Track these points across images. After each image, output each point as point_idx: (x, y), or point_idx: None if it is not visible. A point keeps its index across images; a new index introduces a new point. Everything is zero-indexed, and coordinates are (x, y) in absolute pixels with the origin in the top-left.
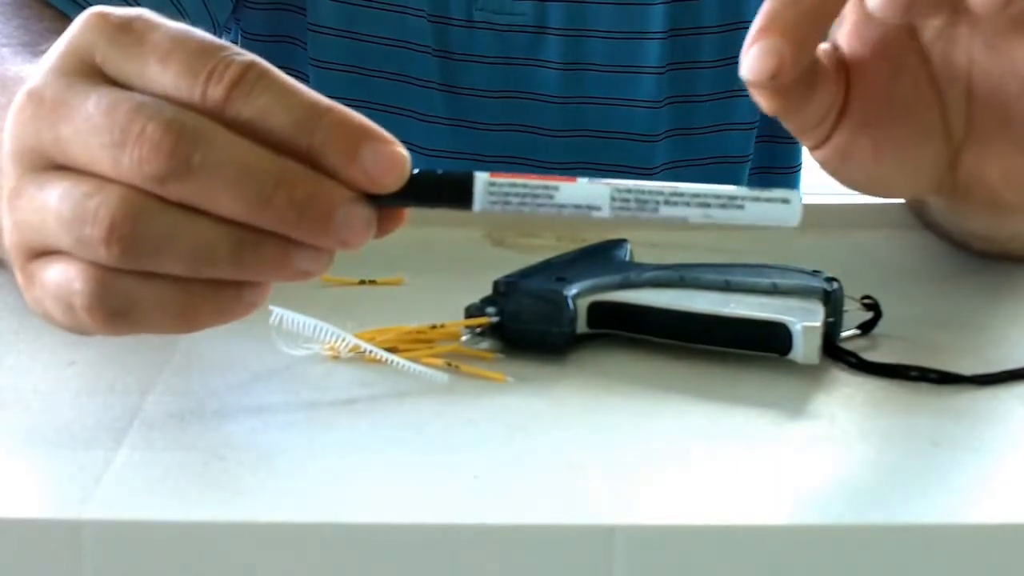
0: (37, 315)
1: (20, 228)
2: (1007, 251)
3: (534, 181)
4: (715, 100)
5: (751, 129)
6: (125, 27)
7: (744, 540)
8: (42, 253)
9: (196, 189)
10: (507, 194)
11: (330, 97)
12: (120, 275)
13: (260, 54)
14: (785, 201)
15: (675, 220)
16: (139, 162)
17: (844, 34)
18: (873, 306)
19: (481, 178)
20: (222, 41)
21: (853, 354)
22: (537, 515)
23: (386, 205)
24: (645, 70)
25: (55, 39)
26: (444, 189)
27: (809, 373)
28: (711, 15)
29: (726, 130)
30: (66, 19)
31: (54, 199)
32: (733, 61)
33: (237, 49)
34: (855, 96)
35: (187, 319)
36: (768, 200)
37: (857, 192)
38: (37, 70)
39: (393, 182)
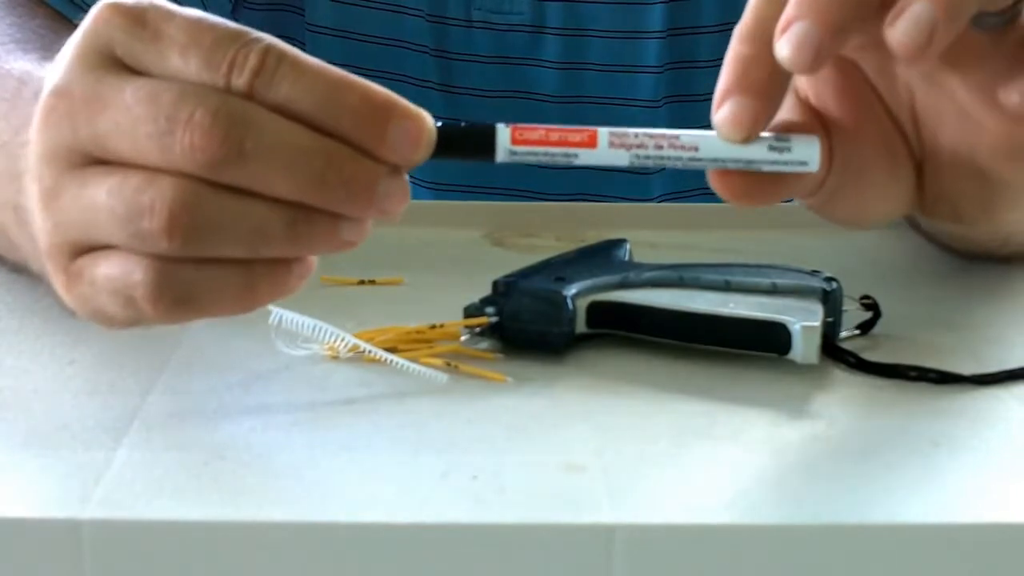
0: (81, 314)
1: (63, 228)
2: (990, 252)
3: (555, 145)
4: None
5: None
6: (139, 19)
7: (744, 540)
8: (89, 249)
9: (251, 173)
10: (527, 153)
11: None
12: (180, 264)
13: None
14: (803, 163)
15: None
16: (191, 149)
17: (803, 81)
18: (872, 306)
19: (503, 140)
20: (236, 26)
21: (852, 354)
22: (536, 515)
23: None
24: (643, 69)
25: (49, 37)
26: (467, 144)
27: (808, 373)
28: (709, 15)
29: None
30: (60, 18)
31: (103, 196)
32: None
33: (253, 34)
34: (833, 138)
35: (248, 299)
36: (786, 163)
37: (842, 226)
38: (56, 68)
39: (421, 158)
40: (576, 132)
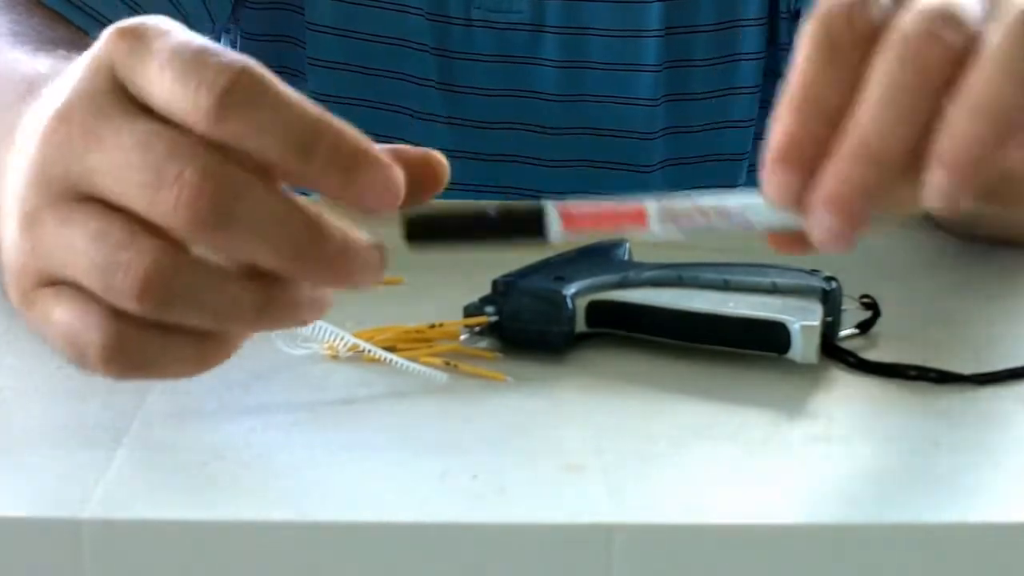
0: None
1: (36, 255)
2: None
3: (606, 226)
4: (712, 98)
5: (748, 127)
6: (137, 34)
7: (743, 540)
8: (55, 282)
9: (233, 240)
10: (578, 234)
11: (329, 97)
12: (140, 328)
13: (259, 54)
14: None
15: None
16: (176, 208)
17: None
18: (872, 305)
19: (553, 226)
20: (216, 46)
21: (852, 353)
22: (536, 515)
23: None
24: (642, 68)
25: (46, 34)
26: (517, 229)
27: (808, 372)
28: (707, 13)
29: (723, 128)
30: (58, 17)
31: (83, 240)
32: (729, 59)
33: (230, 55)
34: None
35: (197, 367)
36: None
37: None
38: (63, 87)
39: (387, 212)
40: (626, 215)
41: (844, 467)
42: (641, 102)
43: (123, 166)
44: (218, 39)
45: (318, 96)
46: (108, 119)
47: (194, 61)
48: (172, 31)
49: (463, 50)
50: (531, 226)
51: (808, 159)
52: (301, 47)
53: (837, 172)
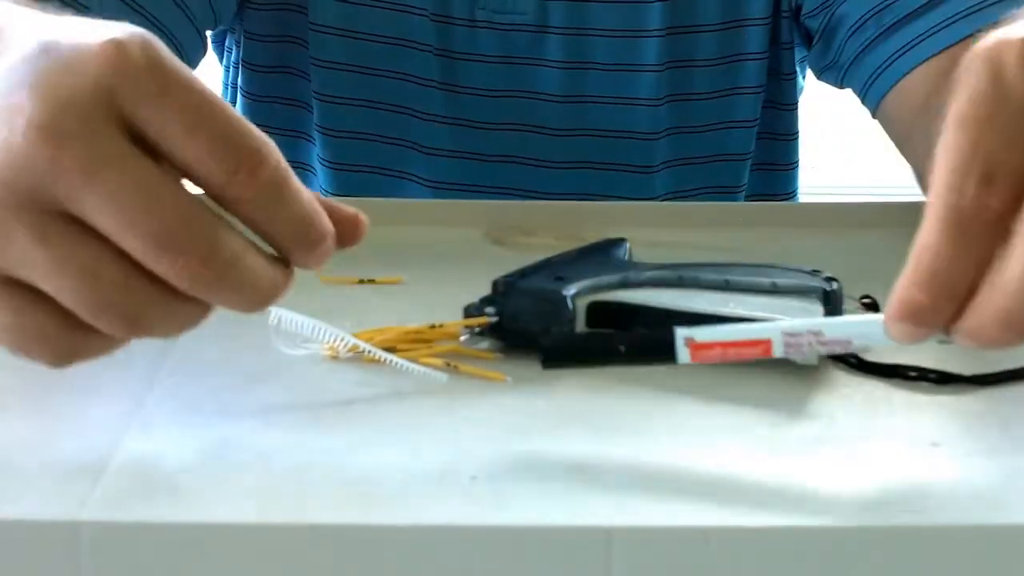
0: None
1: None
2: None
3: (732, 355)
4: (714, 98)
5: (752, 127)
6: (145, 65)
7: (743, 542)
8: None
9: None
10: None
11: (332, 97)
12: (86, 331)
13: (264, 55)
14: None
15: None
16: (176, 271)
17: None
18: (872, 305)
19: (683, 356)
20: (246, 123)
21: (852, 354)
22: (535, 516)
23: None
24: (645, 68)
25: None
26: (645, 359)
27: (808, 373)
28: (710, 13)
29: (726, 128)
30: None
31: (52, 259)
32: (732, 59)
33: (262, 140)
34: None
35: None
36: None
37: None
38: (44, 91)
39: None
40: (752, 345)
41: (844, 468)
42: (644, 102)
43: (123, 209)
44: (222, 39)
45: (321, 96)
46: (108, 162)
47: (229, 140)
48: (183, 75)
49: (466, 51)
50: (660, 356)
51: (935, 322)
52: (304, 47)
53: (976, 333)
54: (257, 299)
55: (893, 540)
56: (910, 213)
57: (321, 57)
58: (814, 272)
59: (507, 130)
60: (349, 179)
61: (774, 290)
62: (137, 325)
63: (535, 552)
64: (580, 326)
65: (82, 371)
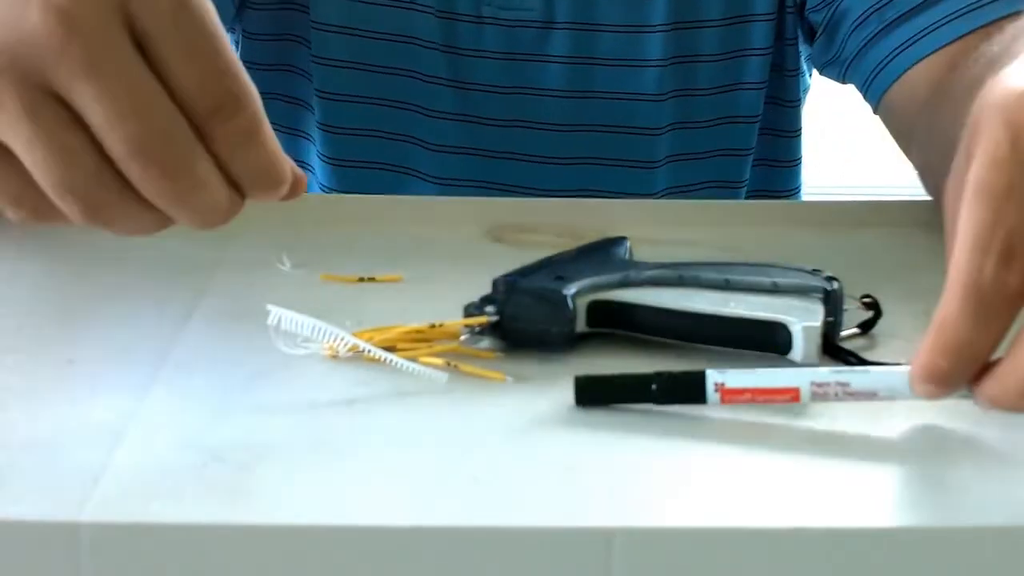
0: None
1: None
2: None
3: (761, 401)
4: (717, 93)
5: (754, 122)
6: None
7: (743, 542)
8: None
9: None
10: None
11: (335, 95)
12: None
13: (263, 53)
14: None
15: None
16: (145, 173)
17: None
18: (873, 305)
19: (712, 399)
20: (238, 65)
21: (853, 353)
22: (536, 517)
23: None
24: (648, 63)
25: None
26: (676, 399)
27: None
28: (713, 8)
29: (729, 123)
30: None
31: (39, 134)
32: (735, 54)
33: (247, 87)
34: None
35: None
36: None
37: None
38: None
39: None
40: (781, 392)
41: (845, 468)
42: (647, 98)
43: (113, 107)
44: None
45: (323, 94)
46: (111, 60)
47: (218, 77)
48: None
49: (472, 47)
50: (690, 397)
51: (957, 384)
52: (305, 46)
53: (998, 400)
54: (210, 222)
55: (895, 541)
56: (911, 212)
57: (323, 55)
58: (815, 271)
59: (512, 126)
60: (351, 175)
61: (775, 289)
62: (97, 216)
63: (535, 553)
64: (580, 325)
65: (82, 371)
